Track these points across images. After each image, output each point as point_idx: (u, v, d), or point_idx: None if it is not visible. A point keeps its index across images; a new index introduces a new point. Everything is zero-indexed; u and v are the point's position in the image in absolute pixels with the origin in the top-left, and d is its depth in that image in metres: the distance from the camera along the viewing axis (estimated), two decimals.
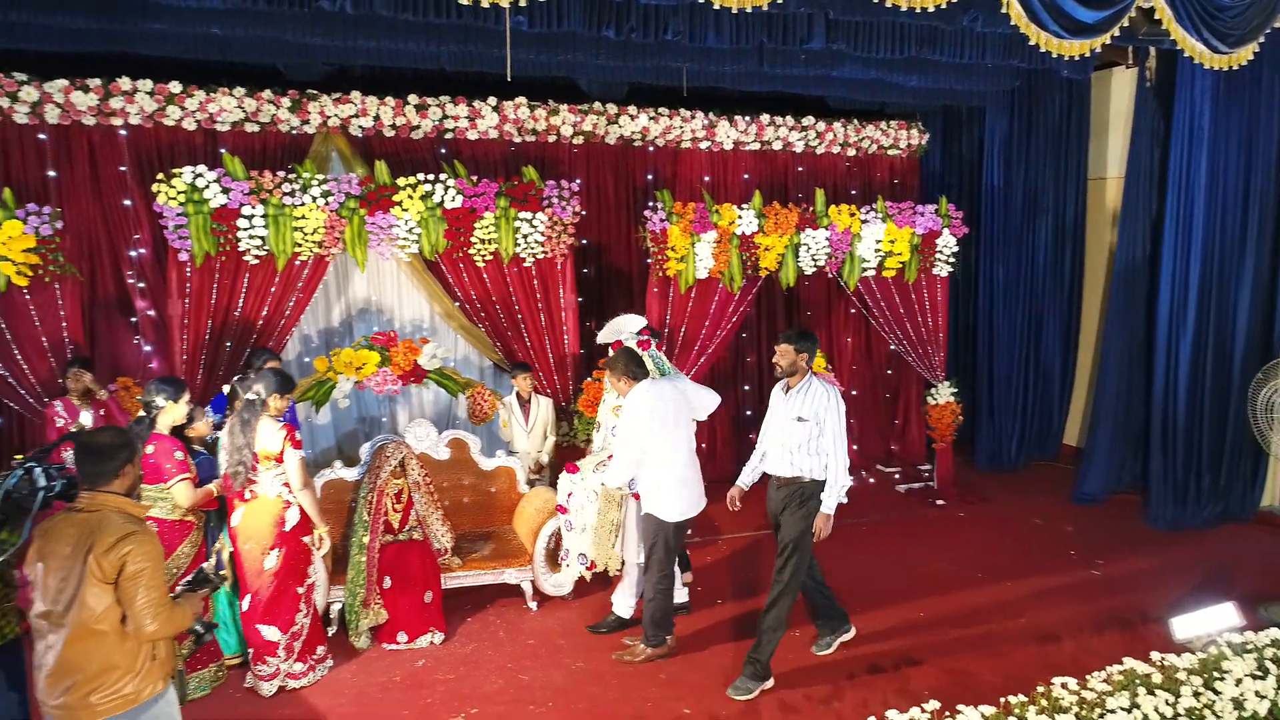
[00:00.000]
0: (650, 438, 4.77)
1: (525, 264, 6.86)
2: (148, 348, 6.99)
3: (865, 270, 7.73)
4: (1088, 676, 3.64)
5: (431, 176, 6.52)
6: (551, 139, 7.96)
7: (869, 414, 9.28)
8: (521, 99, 7.67)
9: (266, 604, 4.63)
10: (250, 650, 4.72)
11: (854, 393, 9.10)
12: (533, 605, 5.71)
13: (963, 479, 8.36)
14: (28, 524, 3.17)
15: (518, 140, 7.87)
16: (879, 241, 7.62)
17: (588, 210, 8.08)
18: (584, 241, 8.08)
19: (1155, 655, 3.79)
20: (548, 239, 6.78)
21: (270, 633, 4.65)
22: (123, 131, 6.89)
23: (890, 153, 9.12)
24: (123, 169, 6.91)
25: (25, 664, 3.49)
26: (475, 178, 6.68)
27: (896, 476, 8.73)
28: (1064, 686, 3.55)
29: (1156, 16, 5.73)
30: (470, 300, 6.89)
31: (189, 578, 3.25)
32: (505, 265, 6.81)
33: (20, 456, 3.39)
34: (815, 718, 4.44)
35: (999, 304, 8.72)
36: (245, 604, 4.71)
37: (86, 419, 4.27)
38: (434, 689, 4.73)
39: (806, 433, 4.66)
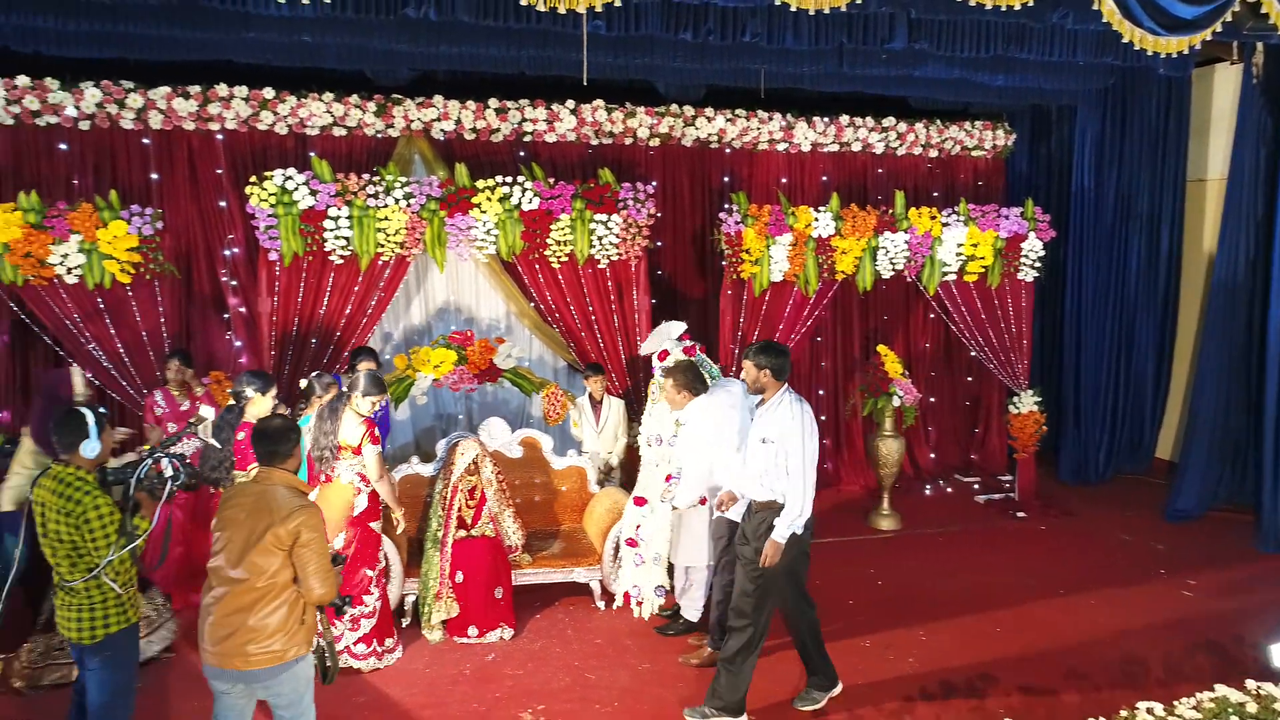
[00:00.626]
0: (718, 449, 4.74)
1: (600, 265, 6.91)
2: (238, 343, 7.28)
3: (946, 274, 7.55)
4: (1176, 702, 3.49)
5: (509, 179, 6.61)
6: (628, 141, 8.00)
7: (947, 421, 9.06)
8: (599, 102, 7.73)
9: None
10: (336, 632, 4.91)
11: (932, 400, 8.90)
12: (600, 605, 5.75)
13: (1045, 491, 8.08)
14: (157, 511, 3.41)
15: (595, 143, 7.94)
16: (960, 245, 7.44)
17: (663, 212, 8.10)
18: (658, 244, 8.10)
19: (1250, 683, 3.60)
20: (622, 241, 6.82)
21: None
22: (219, 136, 7.19)
23: (974, 154, 8.88)
24: (219, 172, 7.22)
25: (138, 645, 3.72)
26: (552, 180, 6.76)
27: (975, 487, 8.49)
28: (1150, 712, 3.41)
29: (1264, 10, 5.45)
30: (545, 301, 6.98)
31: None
32: (580, 267, 6.87)
33: (148, 448, 3.60)
34: None
35: (1088, 310, 8.40)
36: None
37: (208, 412, 4.49)
38: (502, 683, 4.81)
39: (773, 454, 4.29)
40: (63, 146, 6.94)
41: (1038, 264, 7.64)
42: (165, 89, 6.89)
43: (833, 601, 5.86)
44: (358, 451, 4.83)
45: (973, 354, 8.17)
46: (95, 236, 5.99)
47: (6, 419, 6.84)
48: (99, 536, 3.26)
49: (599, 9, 5.00)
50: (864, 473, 8.39)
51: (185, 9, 5.77)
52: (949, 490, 8.46)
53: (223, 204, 7.22)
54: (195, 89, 6.96)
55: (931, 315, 8.61)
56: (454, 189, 6.55)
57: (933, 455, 8.92)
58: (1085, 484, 8.45)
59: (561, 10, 4.55)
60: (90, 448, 3.32)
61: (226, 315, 7.34)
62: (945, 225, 7.38)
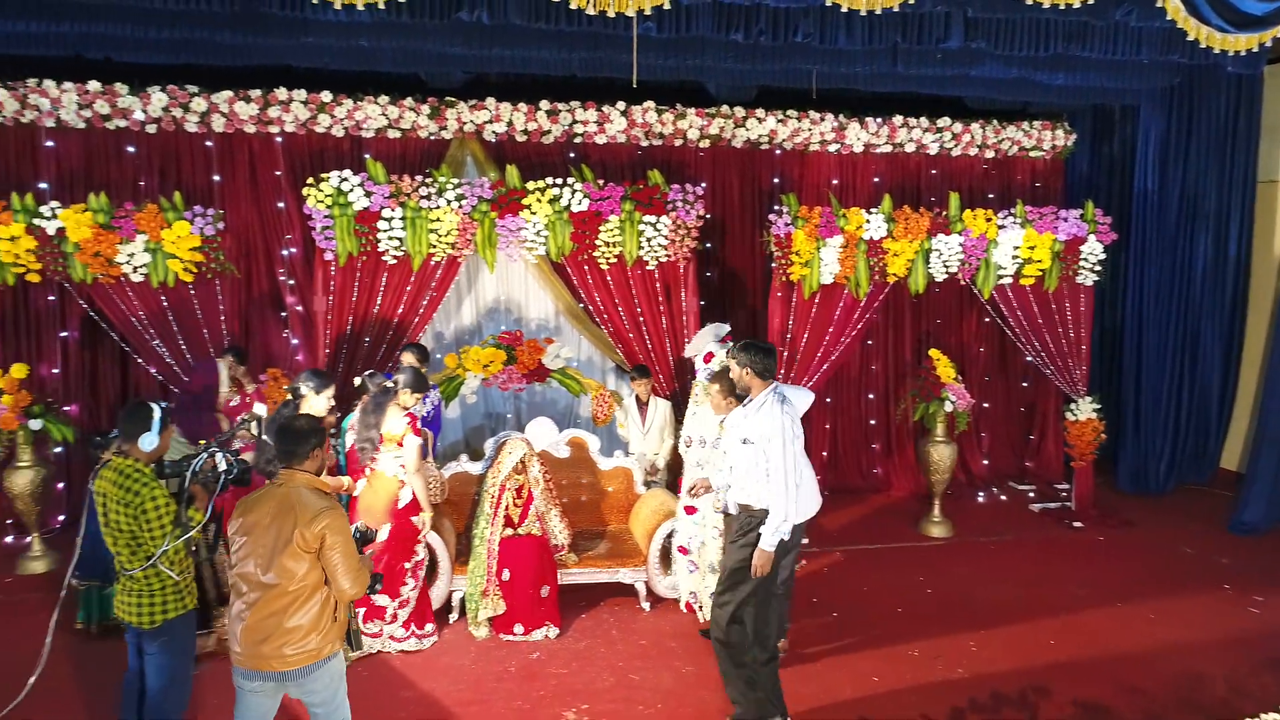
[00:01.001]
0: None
1: (648, 267, 6.92)
2: (295, 341, 7.45)
3: (1001, 278, 7.40)
4: None
5: (559, 180, 6.66)
6: (678, 143, 7.99)
7: (1001, 428, 8.88)
8: (649, 103, 7.74)
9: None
10: (359, 611, 5.01)
11: (985, 405, 8.73)
12: (646, 606, 5.75)
13: (1103, 501, 7.87)
14: (210, 503, 3.51)
15: (645, 144, 7.95)
16: (1017, 248, 7.28)
17: (712, 214, 8.08)
18: (707, 245, 8.08)
19: None
20: (671, 242, 6.82)
21: (380, 600, 5.03)
22: (279, 138, 7.37)
23: (1032, 154, 8.69)
24: (278, 173, 7.39)
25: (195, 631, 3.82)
26: (601, 181, 6.79)
27: (1030, 495, 8.30)
28: None
29: None
30: (594, 302, 7.01)
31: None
32: (629, 268, 6.88)
33: (204, 442, 3.72)
34: None
35: (1150, 316, 8.16)
36: None
37: (261, 409, 4.65)
38: (547, 682, 4.84)
39: (753, 456, 4.17)
40: (130, 149, 7.18)
41: (1098, 267, 7.44)
42: (227, 93, 7.08)
43: (881, 608, 5.80)
44: (401, 443, 4.97)
45: (1028, 359, 7.99)
46: (160, 236, 6.19)
47: (75, 412, 7.09)
48: (155, 526, 3.37)
49: (648, 11, 5.00)
50: (915, 478, 8.27)
51: (248, 16, 5.93)
52: (1002, 498, 8.28)
53: (281, 205, 7.40)
54: (256, 93, 7.14)
55: (986, 319, 8.44)
56: (505, 190, 6.62)
57: (986, 462, 8.75)
58: (1145, 494, 8.21)
59: (611, 14, 4.56)
60: (148, 441, 3.43)
61: (284, 313, 7.51)
62: (1001, 227, 7.23)
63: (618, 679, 4.88)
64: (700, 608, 5.52)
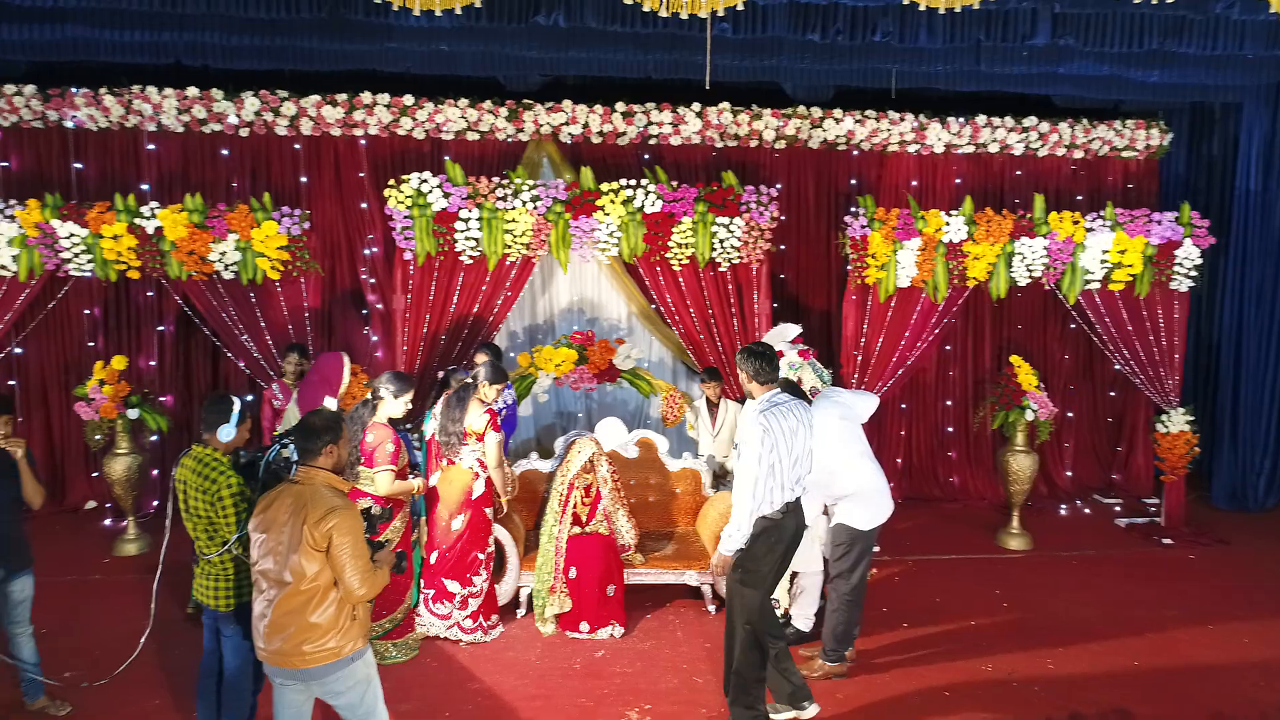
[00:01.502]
0: (834, 459, 4.64)
1: (721, 269, 6.89)
2: (375, 338, 7.66)
3: (1088, 283, 7.13)
4: None
5: (633, 182, 6.68)
6: (753, 144, 7.93)
7: (1086, 438, 8.56)
8: (725, 104, 7.70)
9: (453, 561, 5.18)
10: (429, 592, 5.21)
11: (1070, 415, 8.42)
12: (711, 609, 5.73)
13: (1195, 517, 7.51)
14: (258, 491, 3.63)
15: (719, 145, 7.91)
16: (1106, 252, 7.00)
17: (787, 215, 8.00)
18: (781, 247, 8.01)
19: None
20: (744, 244, 6.77)
21: (452, 585, 5.19)
22: (362, 141, 7.59)
23: (1124, 155, 8.34)
24: (361, 175, 7.61)
25: None
26: (675, 183, 6.79)
27: (1117, 509, 7.97)
28: None
29: None
30: (665, 303, 7.01)
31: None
32: (701, 269, 6.87)
33: (278, 433, 3.86)
34: None
35: (1250, 324, 7.75)
36: (433, 559, 5.22)
37: (331, 403, 4.79)
38: (611, 680, 4.86)
39: (738, 465, 4.16)
40: (224, 152, 7.49)
41: (1193, 273, 7.11)
42: (315, 97, 7.31)
43: (954, 621, 5.65)
44: (481, 438, 5.10)
45: (1117, 367, 7.68)
46: (250, 236, 6.44)
47: (170, 403, 7.43)
48: (230, 513, 3.52)
49: (721, 12, 4.98)
50: (993, 488, 8.03)
51: (334, 23, 6.12)
52: (1086, 511, 7.97)
53: (364, 205, 7.62)
54: (342, 97, 7.36)
55: (1072, 325, 8.14)
56: (579, 192, 6.67)
57: (1069, 474, 8.44)
58: (1242, 511, 7.80)
59: (684, 15, 4.55)
60: (225, 432, 3.58)
61: (365, 311, 7.73)
62: (1089, 230, 6.97)
63: (681, 680, 4.87)
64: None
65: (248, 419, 3.71)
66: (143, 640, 4.24)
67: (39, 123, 7.27)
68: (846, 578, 4.82)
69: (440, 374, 6.11)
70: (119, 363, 6.46)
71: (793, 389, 4.87)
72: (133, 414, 6.40)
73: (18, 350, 7.36)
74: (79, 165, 7.38)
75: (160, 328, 7.49)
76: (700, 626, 5.55)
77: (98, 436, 6.52)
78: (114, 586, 5.97)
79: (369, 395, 4.88)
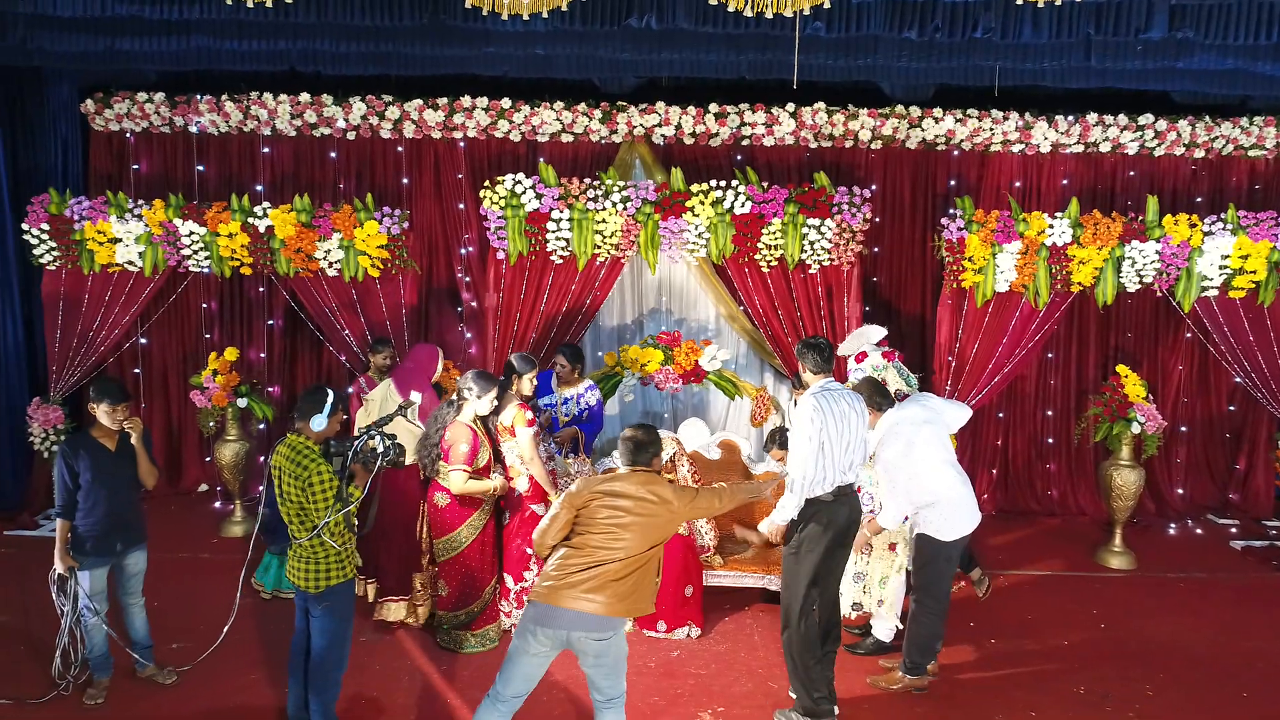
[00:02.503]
0: (916, 464, 4.54)
1: (810, 271, 6.81)
2: (469, 335, 7.87)
3: (1206, 290, 6.74)
4: None
5: (722, 183, 6.66)
6: (848, 144, 7.79)
7: (1200, 454, 8.06)
8: (820, 104, 7.59)
9: (513, 557, 5.27)
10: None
11: (1182, 429, 7.96)
12: None
13: None
14: (368, 482, 3.81)
15: (813, 145, 7.80)
16: (1226, 257, 6.60)
17: (881, 218, 7.84)
18: (875, 250, 7.84)
19: None
20: (835, 246, 6.67)
21: (508, 579, 5.27)
22: (461, 143, 7.81)
23: (1251, 154, 7.81)
24: (459, 176, 7.83)
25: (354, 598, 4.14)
26: (766, 184, 6.74)
27: (1233, 531, 7.50)
28: None
29: None
30: (753, 305, 6.97)
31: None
32: (790, 272, 6.80)
33: (363, 426, 4.05)
34: None
35: None
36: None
37: (417, 397, 4.91)
38: (685, 681, 4.87)
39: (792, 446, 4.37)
40: (332, 155, 7.82)
41: None
42: (418, 101, 7.57)
43: (1046, 639, 5.43)
44: (512, 432, 5.08)
45: (1236, 380, 7.23)
46: (353, 235, 6.72)
47: (276, 393, 7.82)
48: (319, 499, 3.68)
49: (807, 11, 4.91)
50: (1095, 503, 7.67)
51: (436, 28, 6.31)
52: (1198, 531, 7.52)
53: (461, 206, 7.83)
54: (442, 101, 7.59)
55: (1188, 335, 7.70)
56: (668, 193, 6.70)
57: (1180, 491, 7.97)
58: None
59: (770, 14, 4.51)
60: (318, 422, 3.76)
61: (460, 309, 7.95)
62: (1207, 234, 6.59)
63: (756, 684, 4.85)
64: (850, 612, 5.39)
65: (340, 411, 3.88)
66: (225, 629, 4.48)
67: (166, 128, 7.76)
68: (929, 590, 4.69)
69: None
70: (231, 354, 6.85)
71: (881, 391, 4.78)
72: (241, 403, 6.77)
73: (143, 341, 7.88)
74: (201, 167, 7.84)
75: (269, 321, 7.89)
76: (778, 631, 5.47)
77: (211, 424, 6.93)
78: (220, 565, 6.32)
79: (454, 395, 5.00)
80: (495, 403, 4.98)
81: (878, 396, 4.74)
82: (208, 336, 7.93)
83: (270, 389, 7.75)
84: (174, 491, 7.99)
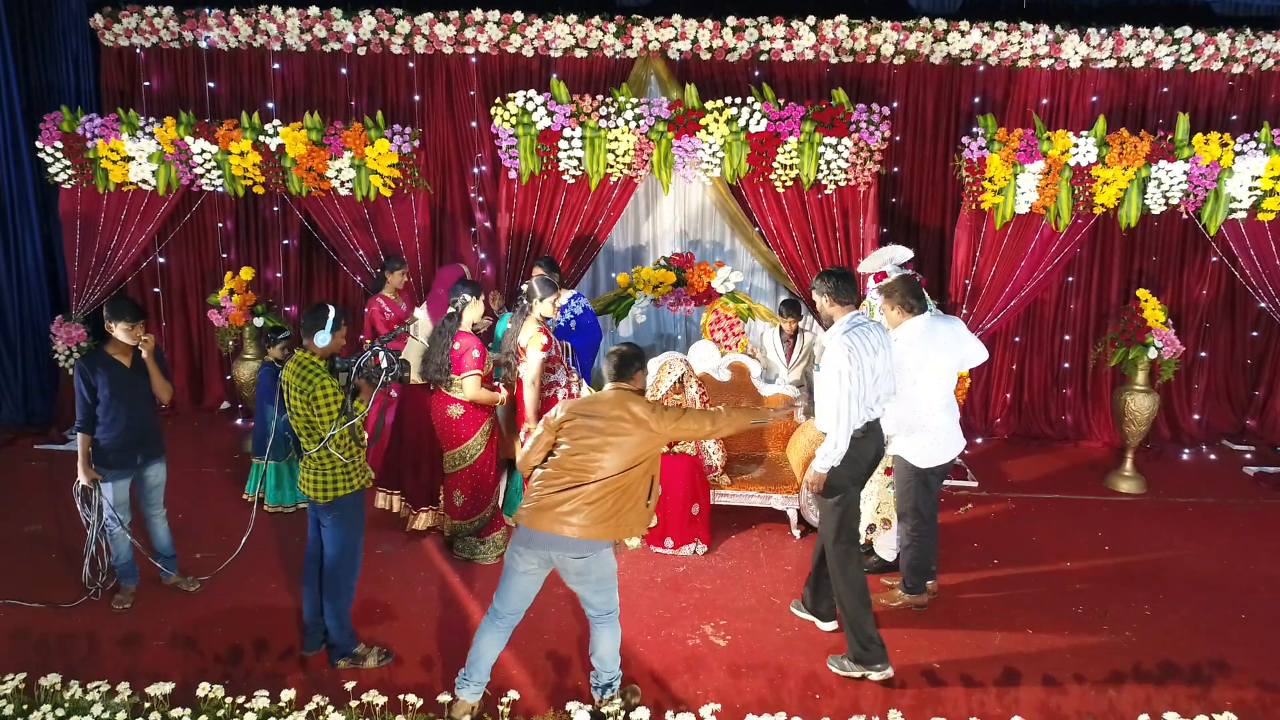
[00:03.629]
0: (919, 384, 4.52)
1: (826, 191, 6.69)
2: (483, 255, 7.86)
3: (1234, 212, 6.56)
4: None
5: (737, 100, 6.51)
6: (870, 59, 7.55)
7: (1220, 380, 7.99)
8: (842, 17, 7.33)
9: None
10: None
11: (1202, 354, 7.86)
12: (796, 533, 5.76)
13: None
14: (372, 396, 3.86)
15: (834, 61, 7.56)
16: (1257, 178, 6.40)
17: (903, 136, 7.66)
18: (895, 170, 7.68)
19: None
20: (851, 166, 6.54)
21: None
22: (473, 59, 7.65)
23: None
24: (472, 93, 7.70)
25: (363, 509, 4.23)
26: (782, 101, 6.57)
27: (1247, 457, 7.46)
28: None
29: None
30: (768, 226, 6.88)
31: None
32: (805, 192, 6.69)
33: (370, 341, 4.08)
34: (1086, 702, 4.06)
35: None
36: None
37: (421, 312, 4.97)
38: (690, 594, 4.99)
39: (821, 385, 4.18)
40: (343, 71, 7.71)
41: None
42: (428, 15, 7.40)
43: (1049, 561, 5.49)
44: (525, 354, 5.10)
45: (1261, 305, 7.09)
46: (364, 153, 6.67)
47: (294, 312, 7.90)
48: (324, 413, 3.76)
49: None
50: (1109, 429, 7.65)
51: None
52: (1212, 457, 7.50)
53: (474, 124, 7.73)
54: (454, 14, 7.41)
55: (1213, 259, 7.53)
56: (682, 110, 6.57)
57: (1196, 417, 7.93)
58: None
59: None
60: (321, 338, 3.80)
61: (473, 229, 7.92)
62: (1239, 154, 6.37)
63: (759, 600, 4.95)
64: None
65: (343, 326, 3.92)
66: (244, 540, 4.61)
67: (176, 44, 7.67)
68: (913, 512, 4.73)
69: (524, 286, 6.21)
70: (246, 274, 6.90)
71: (915, 293, 4.59)
72: (258, 322, 6.84)
73: (161, 260, 7.96)
74: (212, 84, 7.77)
75: (285, 241, 7.91)
76: (783, 549, 5.60)
77: (229, 342, 7.04)
78: (242, 480, 6.48)
79: (450, 310, 5.03)
80: (482, 306, 5.03)
81: (911, 298, 4.53)
82: (224, 256, 7.98)
83: (287, 308, 7.83)
84: (197, 409, 8.17)
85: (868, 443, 4.21)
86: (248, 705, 3.67)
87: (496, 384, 5.26)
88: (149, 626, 4.53)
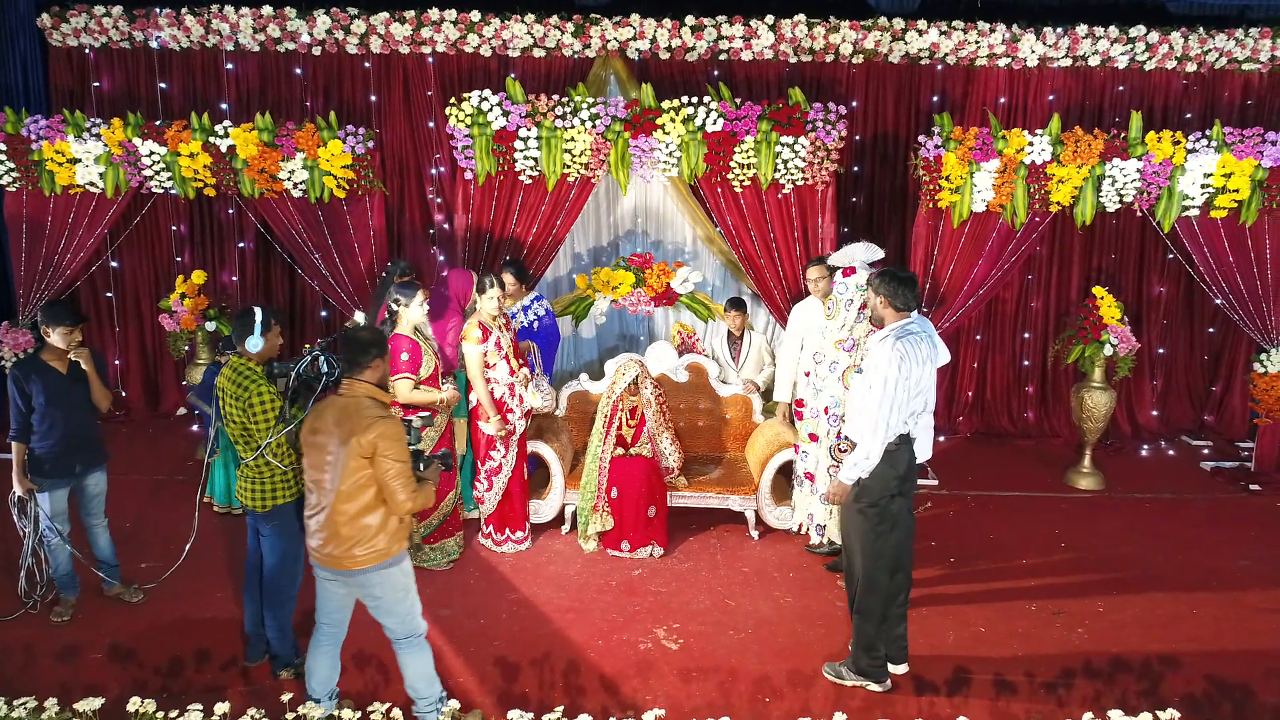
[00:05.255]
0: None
1: (784, 191, 6.67)
2: (442, 258, 7.78)
3: (1187, 209, 6.60)
4: None
5: (693, 100, 6.48)
6: (829, 58, 7.54)
7: (1179, 377, 8.06)
8: (800, 16, 7.32)
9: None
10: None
11: (1160, 351, 7.92)
12: (754, 534, 5.73)
13: None
14: (312, 401, 3.77)
15: (793, 60, 7.56)
16: (1209, 175, 6.45)
17: (863, 135, 7.66)
18: (855, 169, 7.68)
19: None
20: (809, 165, 6.52)
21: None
22: (430, 59, 7.57)
23: (1245, 68, 7.56)
24: (429, 94, 7.62)
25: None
26: (738, 100, 6.55)
27: (1205, 452, 7.53)
28: None
29: None
30: (726, 226, 6.85)
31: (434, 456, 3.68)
32: (764, 191, 6.66)
33: (309, 345, 4.00)
34: (1036, 701, 4.05)
35: None
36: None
37: (360, 317, 4.87)
38: (644, 598, 4.95)
39: (861, 389, 3.99)
40: (298, 71, 7.60)
41: None
42: (384, 14, 7.31)
43: (1004, 559, 5.50)
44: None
45: (1217, 302, 7.14)
46: (317, 154, 6.57)
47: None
48: (260, 420, 3.68)
49: None
50: (1070, 426, 7.67)
51: None
52: (1170, 453, 7.56)
53: (431, 124, 7.65)
54: (410, 13, 7.33)
55: (1170, 256, 7.59)
56: (639, 110, 6.52)
57: (1155, 413, 7.98)
58: None
59: None
60: (253, 343, 3.72)
61: (432, 230, 7.83)
62: (1191, 151, 6.41)
63: (714, 602, 4.92)
64: (820, 527, 5.41)
65: (274, 326, 3.83)
66: (187, 548, 4.50)
67: (127, 44, 7.53)
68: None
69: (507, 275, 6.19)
70: (198, 277, 6.78)
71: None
72: (210, 326, 6.73)
73: (114, 264, 7.81)
74: (164, 85, 7.64)
75: (241, 244, 7.79)
76: (741, 551, 5.57)
77: (185, 347, 6.91)
78: (194, 487, 6.35)
79: (388, 314, 4.96)
80: (426, 306, 4.95)
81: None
82: (179, 259, 7.85)
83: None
84: (153, 414, 8.03)
85: (900, 455, 3.97)
86: None
87: (448, 382, 5.16)
88: (88, 638, 4.43)
